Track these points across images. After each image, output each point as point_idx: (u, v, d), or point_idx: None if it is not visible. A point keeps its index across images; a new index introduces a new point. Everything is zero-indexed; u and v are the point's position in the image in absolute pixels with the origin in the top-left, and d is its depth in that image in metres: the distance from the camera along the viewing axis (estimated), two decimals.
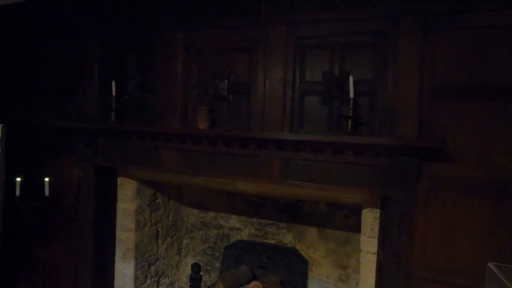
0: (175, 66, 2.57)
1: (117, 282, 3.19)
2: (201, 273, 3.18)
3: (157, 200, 3.47)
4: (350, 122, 2.05)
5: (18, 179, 2.73)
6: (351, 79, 2.04)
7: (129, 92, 2.73)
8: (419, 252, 2.07)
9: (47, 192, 2.77)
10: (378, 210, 2.35)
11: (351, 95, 2.04)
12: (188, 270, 3.92)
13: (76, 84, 2.93)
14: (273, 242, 3.62)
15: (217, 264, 3.81)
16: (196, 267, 3.15)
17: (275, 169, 2.29)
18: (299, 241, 3.53)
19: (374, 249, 2.37)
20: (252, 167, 2.35)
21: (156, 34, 2.65)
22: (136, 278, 3.21)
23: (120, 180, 3.13)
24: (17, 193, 2.72)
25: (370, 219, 2.39)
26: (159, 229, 3.53)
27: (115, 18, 2.80)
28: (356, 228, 3.21)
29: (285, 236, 3.60)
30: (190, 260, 3.94)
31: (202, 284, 3.53)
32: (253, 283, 3.12)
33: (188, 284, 3.85)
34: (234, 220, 3.82)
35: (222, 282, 3.17)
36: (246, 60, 2.41)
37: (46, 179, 2.78)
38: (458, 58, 1.96)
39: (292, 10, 2.26)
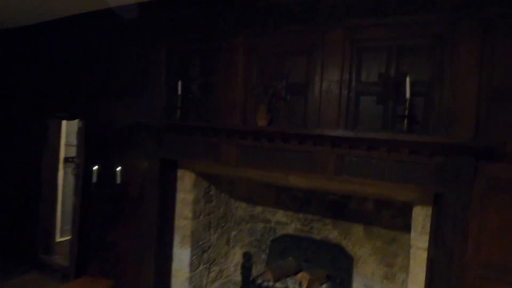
0: (236, 68, 2.79)
1: (174, 266, 3.48)
2: (251, 262, 3.37)
3: (211, 192, 3.72)
4: (406, 121, 2.15)
5: (95, 167, 3.08)
6: (408, 80, 2.13)
7: (193, 91, 2.99)
8: (473, 249, 2.12)
9: (118, 180, 3.10)
10: (430, 208, 2.42)
11: (407, 95, 2.14)
12: (236, 260, 4.15)
13: (144, 85, 3.25)
14: (318, 237, 3.75)
15: (263, 256, 4.00)
16: (247, 256, 3.35)
17: (330, 165, 2.43)
18: (344, 238, 3.62)
19: (425, 245, 2.44)
20: (307, 162, 2.51)
21: (218, 39, 2.88)
22: (191, 263, 3.47)
23: (179, 172, 3.41)
24: (94, 179, 3.08)
25: (421, 216, 2.46)
26: (211, 220, 3.78)
27: (180, 25, 3.07)
28: (404, 228, 3.26)
29: (330, 232, 3.71)
30: (237, 251, 4.17)
31: (253, 273, 3.74)
32: (301, 273, 3.28)
33: (236, 272, 4.09)
34: (280, 215, 3.99)
35: (270, 271, 3.36)
36: (304, 62, 2.57)
37: (118, 168, 3.11)
38: None
39: (348, 15, 2.40)
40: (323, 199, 3.72)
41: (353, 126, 2.40)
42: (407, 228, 3.24)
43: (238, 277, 4.12)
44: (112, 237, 3.47)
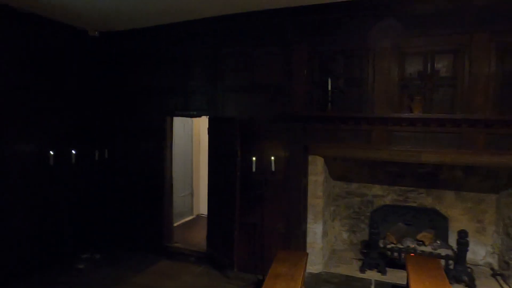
0: (386, 65, 3.29)
1: (309, 239, 3.98)
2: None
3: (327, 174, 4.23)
4: None
5: (254, 158, 3.46)
6: None
7: (339, 87, 3.45)
8: None
9: (273, 168, 3.51)
10: None
11: None
12: (336, 231, 4.74)
13: (287, 82, 3.64)
14: (414, 204, 4.42)
15: (362, 226, 4.62)
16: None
17: (480, 142, 3.05)
18: (438, 203, 4.32)
19: None
20: (457, 141, 3.12)
21: (365, 42, 3.35)
22: (323, 235, 4.01)
23: (310, 158, 3.87)
24: (253, 169, 3.46)
25: None
26: (326, 198, 4.30)
27: (321, 29, 3.49)
28: (490, 189, 4.02)
29: (425, 199, 4.40)
30: (337, 223, 4.75)
31: (353, 241, 4.34)
32: (422, 233, 3.94)
33: (336, 242, 4.68)
34: (376, 189, 4.60)
35: (392, 234, 3.99)
36: (451, 59, 3.14)
37: (272, 157, 3.52)
38: None
39: (494, 21, 2.98)
40: (414, 173, 4.38)
41: (499, 110, 3.03)
42: (493, 189, 4.02)
43: (337, 246, 4.72)
44: (256, 217, 3.87)
